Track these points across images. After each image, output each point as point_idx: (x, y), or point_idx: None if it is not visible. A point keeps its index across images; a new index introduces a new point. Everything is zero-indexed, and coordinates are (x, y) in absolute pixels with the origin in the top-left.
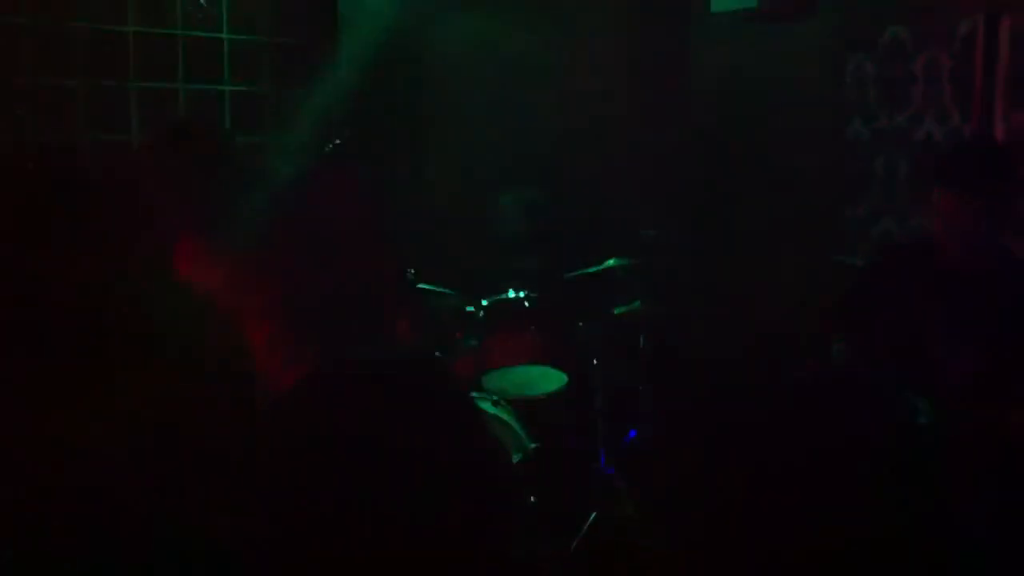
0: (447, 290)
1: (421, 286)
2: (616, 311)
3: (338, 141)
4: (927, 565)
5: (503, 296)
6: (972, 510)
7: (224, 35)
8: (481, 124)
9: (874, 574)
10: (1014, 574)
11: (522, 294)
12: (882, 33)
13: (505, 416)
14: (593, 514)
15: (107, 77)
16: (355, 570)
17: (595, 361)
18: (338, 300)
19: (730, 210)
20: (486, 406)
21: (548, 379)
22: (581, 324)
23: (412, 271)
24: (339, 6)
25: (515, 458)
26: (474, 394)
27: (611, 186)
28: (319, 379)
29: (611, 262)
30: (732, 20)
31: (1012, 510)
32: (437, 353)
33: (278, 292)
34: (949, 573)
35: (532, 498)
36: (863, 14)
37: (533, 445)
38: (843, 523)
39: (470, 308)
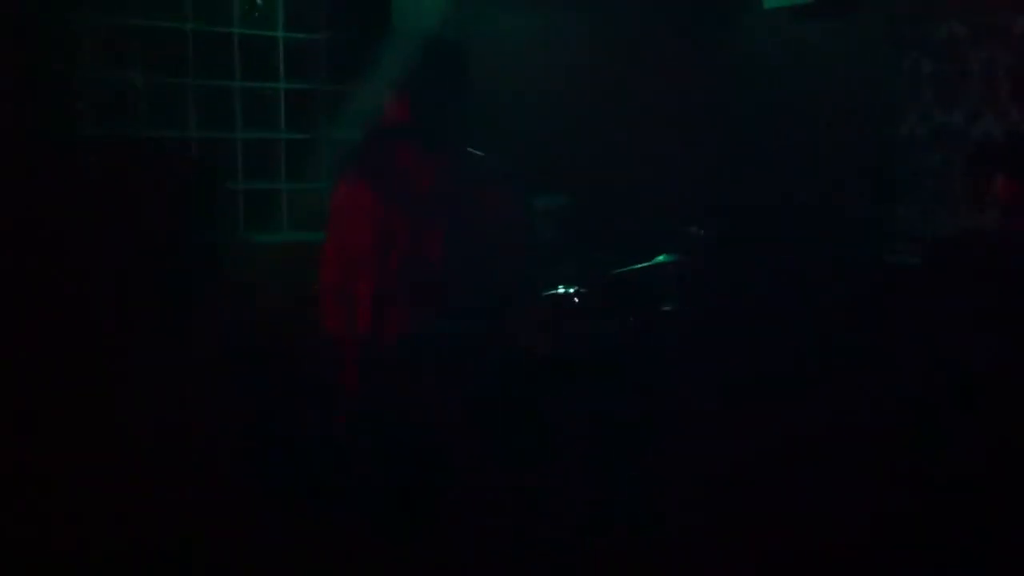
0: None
1: None
2: (666, 308)
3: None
4: (928, 563)
5: (553, 292)
6: (972, 507)
7: (279, 33)
8: (524, 124)
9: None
10: (1014, 572)
11: (571, 290)
12: (937, 29)
13: None
14: None
15: (166, 74)
16: None
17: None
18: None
19: (778, 208)
20: None
21: None
22: (632, 320)
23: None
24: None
25: None
26: None
27: (658, 185)
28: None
29: (661, 258)
30: (784, 16)
31: (1011, 509)
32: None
33: (398, 264)
34: (950, 571)
35: None
36: (918, 10)
37: None
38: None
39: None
